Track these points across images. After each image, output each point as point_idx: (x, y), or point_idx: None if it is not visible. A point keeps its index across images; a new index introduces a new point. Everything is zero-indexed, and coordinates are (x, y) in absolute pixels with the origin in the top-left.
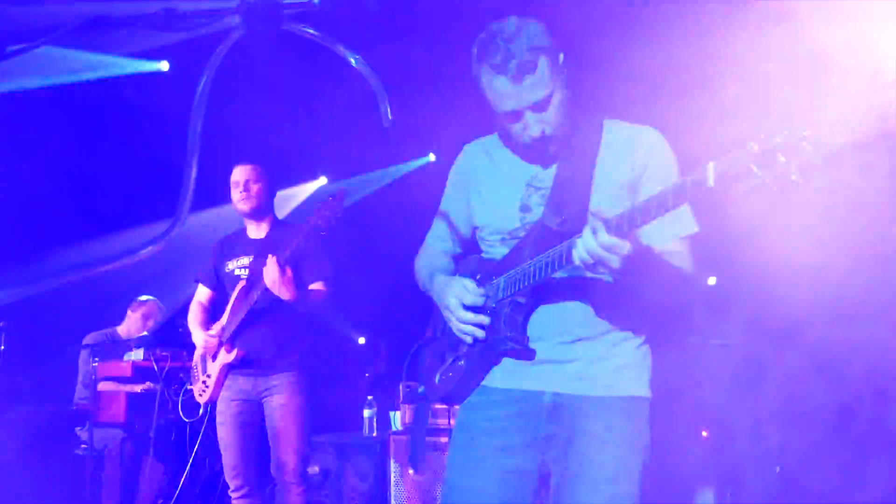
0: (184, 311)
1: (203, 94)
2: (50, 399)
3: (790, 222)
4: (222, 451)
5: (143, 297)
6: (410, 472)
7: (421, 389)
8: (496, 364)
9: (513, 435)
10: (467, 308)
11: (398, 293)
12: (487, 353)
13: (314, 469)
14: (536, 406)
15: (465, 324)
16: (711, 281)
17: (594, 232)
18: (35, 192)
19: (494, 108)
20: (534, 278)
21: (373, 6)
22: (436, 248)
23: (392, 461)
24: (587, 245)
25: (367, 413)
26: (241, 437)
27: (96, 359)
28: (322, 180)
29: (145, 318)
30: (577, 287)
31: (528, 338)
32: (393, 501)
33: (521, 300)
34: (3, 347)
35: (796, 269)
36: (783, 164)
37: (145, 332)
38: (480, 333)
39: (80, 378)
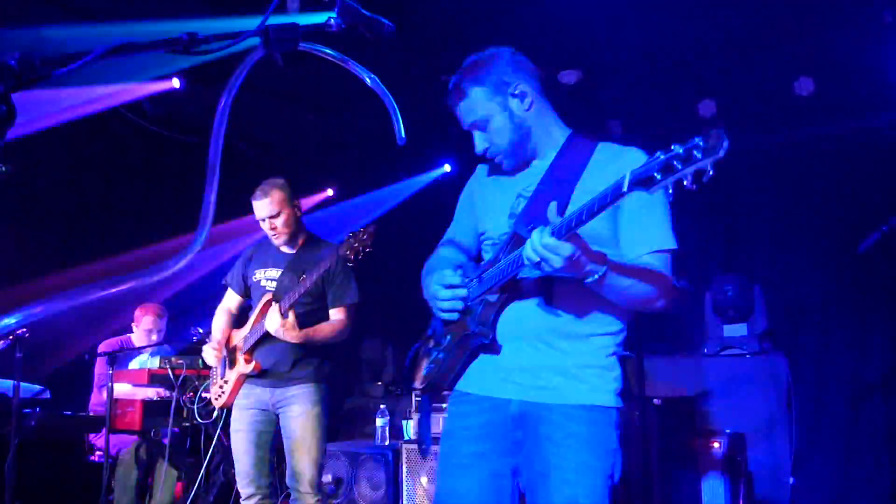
0: (199, 318)
1: (224, 113)
2: (65, 406)
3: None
4: (235, 459)
5: (142, 304)
6: (423, 480)
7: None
8: (469, 359)
9: (485, 442)
10: (448, 288)
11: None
12: (461, 346)
13: (327, 478)
14: (504, 415)
15: (446, 301)
16: None
17: (540, 234)
18: (62, 209)
19: None
20: (500, 277)
21: (388, 28)
22: (441, 256)
23: (404, 470)
24: (533, 244)
25: (379, 422)
26: (256, 446)
27: (112, 366)
28: (328, 193)
29: (142, 321)
30: (545, 290)
31: (495, 333)
32: None
33: (492, 299)
34: (20, 355)
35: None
36: (679, 172)
37: (154, 338)
38: (459, 304)
39: (95, 384)
